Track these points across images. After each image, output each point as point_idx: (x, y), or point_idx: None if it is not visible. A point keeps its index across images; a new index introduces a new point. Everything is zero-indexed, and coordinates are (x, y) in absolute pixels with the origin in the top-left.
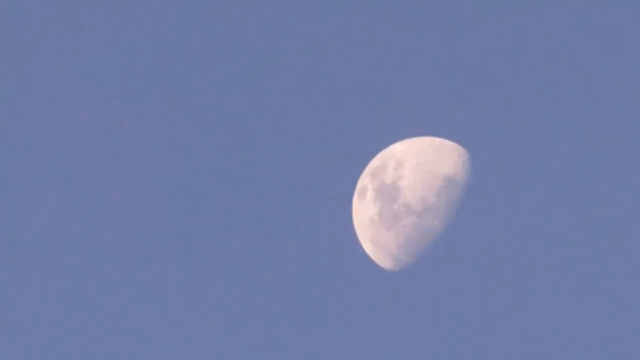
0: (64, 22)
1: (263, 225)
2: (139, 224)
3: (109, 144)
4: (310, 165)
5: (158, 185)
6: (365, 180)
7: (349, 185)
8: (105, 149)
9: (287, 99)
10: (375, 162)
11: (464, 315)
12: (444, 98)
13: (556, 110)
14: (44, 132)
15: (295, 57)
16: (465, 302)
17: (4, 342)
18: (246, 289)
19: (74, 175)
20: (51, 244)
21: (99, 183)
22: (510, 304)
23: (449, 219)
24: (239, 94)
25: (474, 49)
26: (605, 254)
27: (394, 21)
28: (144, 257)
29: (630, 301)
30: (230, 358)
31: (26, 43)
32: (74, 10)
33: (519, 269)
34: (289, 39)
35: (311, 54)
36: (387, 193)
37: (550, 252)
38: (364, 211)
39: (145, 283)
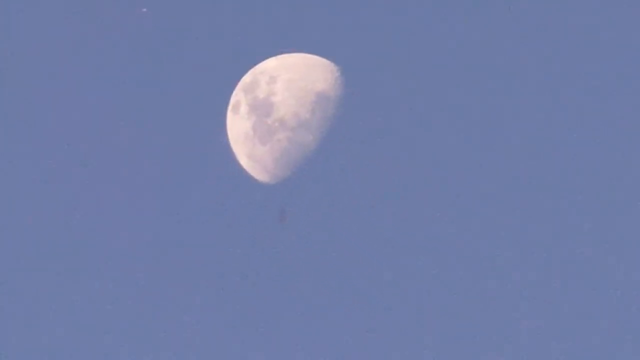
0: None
1: (139, 143)
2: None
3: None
4: (182, 81)
5: None
6: (238, 96)
7: (221, 100)
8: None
9: (160, 9)
10: (247, 78)
11: (337, 227)
12: (314, 14)
13: (428, 24)
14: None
15: None
16: (337, 212)
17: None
18: (124, 206)
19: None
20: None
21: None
22: (379, 221)
23: (323, 134)
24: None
25: None
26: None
27: None
28: None
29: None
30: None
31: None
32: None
33: (391, 183)
34: None
35: None
36: (261, 108)
37: (421, 168)
38: (239, 126)
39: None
